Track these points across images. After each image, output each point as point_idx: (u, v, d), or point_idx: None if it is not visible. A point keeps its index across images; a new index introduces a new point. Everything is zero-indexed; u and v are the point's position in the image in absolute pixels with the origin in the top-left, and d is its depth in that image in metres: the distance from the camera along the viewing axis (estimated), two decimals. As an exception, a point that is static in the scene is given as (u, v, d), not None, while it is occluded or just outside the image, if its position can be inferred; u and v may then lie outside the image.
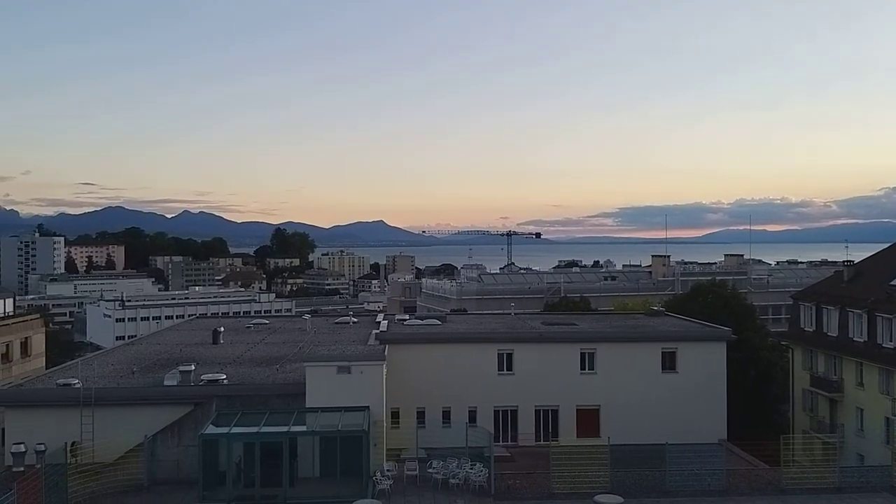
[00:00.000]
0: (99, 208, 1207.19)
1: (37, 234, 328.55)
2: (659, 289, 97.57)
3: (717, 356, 45.22)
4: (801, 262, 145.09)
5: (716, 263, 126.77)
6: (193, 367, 36.28)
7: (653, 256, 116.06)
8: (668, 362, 45.04)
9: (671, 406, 43.55)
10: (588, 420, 43.92)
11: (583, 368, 44.78)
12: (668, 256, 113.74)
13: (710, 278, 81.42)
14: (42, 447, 30.72)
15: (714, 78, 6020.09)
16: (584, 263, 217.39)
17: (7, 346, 57.70)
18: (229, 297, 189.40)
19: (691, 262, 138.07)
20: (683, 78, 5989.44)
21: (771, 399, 57.59)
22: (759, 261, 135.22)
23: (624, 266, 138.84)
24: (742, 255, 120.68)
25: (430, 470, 32.03)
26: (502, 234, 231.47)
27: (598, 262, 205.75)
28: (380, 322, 51.65)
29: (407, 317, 56.62)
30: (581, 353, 44.86)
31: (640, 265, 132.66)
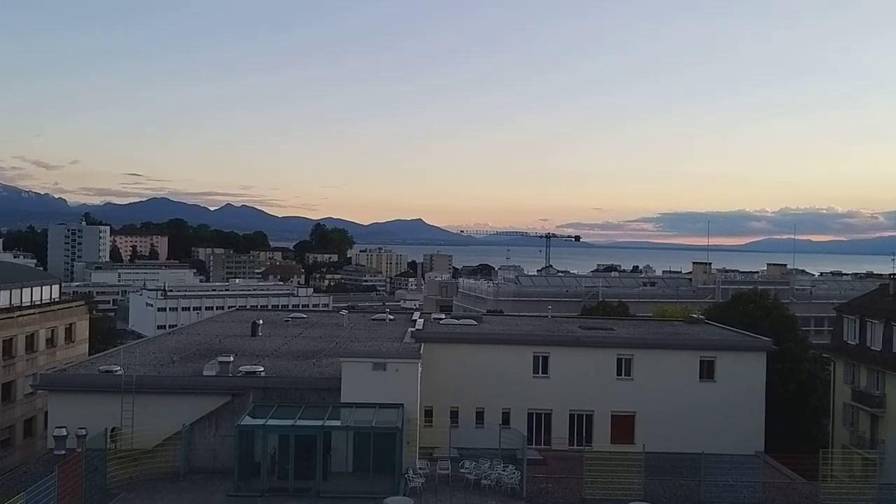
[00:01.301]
0: (144, 199, 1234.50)
1: (83, 223, 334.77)
2: (699, 296, 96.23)
3: (756, 366, 44.57)
4: (846, 274, 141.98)
5: (758, 272, 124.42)
6: (232, 359, 36.74)
7: (693, 263, 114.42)
8: (707, 371, 44.49)
9: (708, 415, 43.01)
10: (623, 426, 43.56)
11: (619, 374, 44.42)
12: (710, 264, 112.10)
13: (751, 287, 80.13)
14: (83, 432, 31.39)
15: (761, 83, 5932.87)
16: (623, 268, 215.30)
17: (52, 331, 58.92)
18: (268, 290, 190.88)
19: (733, 271, 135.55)
20: (729, 82, 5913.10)
21: (810, 412, 56.55)
22: (803, 271, 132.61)
23: (664, 272, 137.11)
24: (785, 265, 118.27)
25: (463, 470, 32.09)
26: (541, 236, 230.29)
27: (637, 267, 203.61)
28: (416, 320, 51.86)
29: (443, 316, 56.73)
30: (618, 359, 44.51)
31: (681, 272, 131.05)
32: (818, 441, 52.45)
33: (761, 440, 43.08)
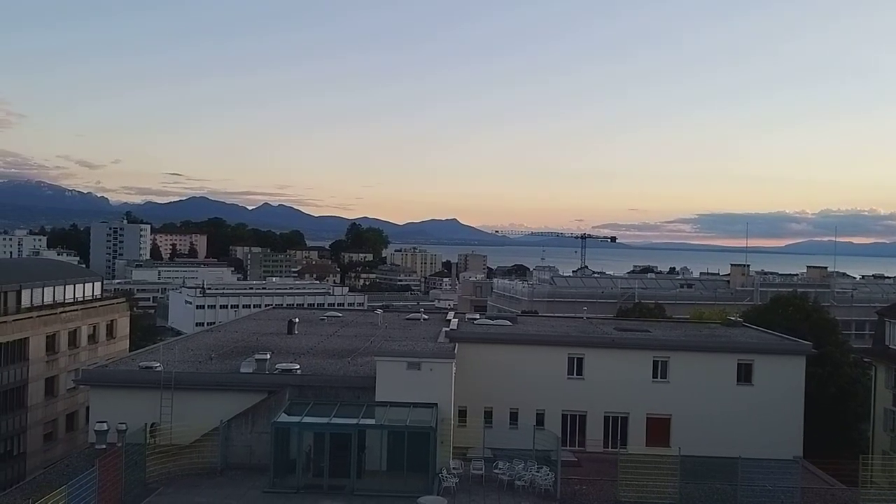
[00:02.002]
0: (184, 198, 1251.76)
1: (125, 221, 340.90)
2: (737, 299, 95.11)
3: (795, 370, 43.91)
4: (889, 277, 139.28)
5: (797, 275, 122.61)
6: (269, 356, 37.16)
7: (732, 265, 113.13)
8: (744, 374, 43.93)
9: (745, 419, 42.49)
10: (658, 429, 43.20)
11: (655, 376, 44.04)
12: (748, 266, 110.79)
13: (791, 290, 78.94)
14: (123, 427, 31.97)
15: (803, 84, 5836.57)
16: (659, 270, 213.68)
17: (94, 327, 60.13)
18: (304, 289, 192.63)
19: (772, 273, 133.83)
20: (770, 82, 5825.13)
21: (850, 417, 55.59)
22: (844, 274, 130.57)
23: (701, 274, 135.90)
24: (826, 268, 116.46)
25: (496, 470, 32.10)
26: (576, 237, 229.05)
27: (674, 268, 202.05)
28: (450, 320, 51.89)
29: (477, 316, 56.69)
30: (654, 361, 44.13)
31: (718, 274, 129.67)
32: (858, 447, 51.48)
33: (800, 445, 42.48)
